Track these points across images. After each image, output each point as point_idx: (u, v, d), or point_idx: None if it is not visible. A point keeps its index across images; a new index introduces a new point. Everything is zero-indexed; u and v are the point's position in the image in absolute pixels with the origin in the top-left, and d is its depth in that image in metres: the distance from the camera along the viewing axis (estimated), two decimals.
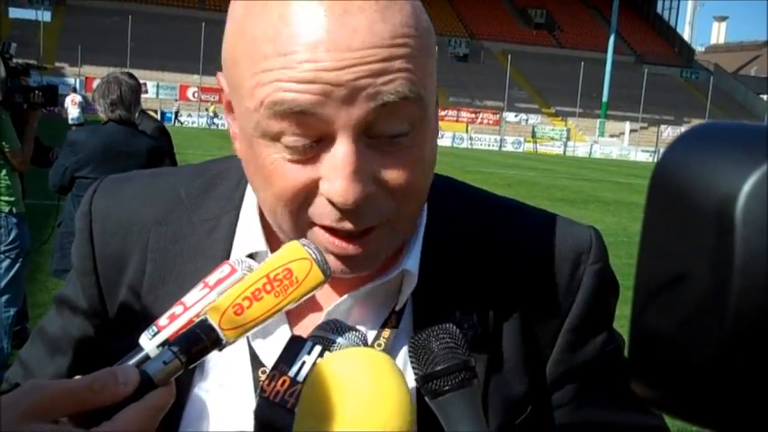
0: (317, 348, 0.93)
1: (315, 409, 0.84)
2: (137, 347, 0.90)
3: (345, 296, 1.08)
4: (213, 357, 1.09)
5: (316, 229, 0.98)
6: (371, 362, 0.87)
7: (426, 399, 0.92)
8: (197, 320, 0.89)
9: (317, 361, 0.91)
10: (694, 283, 0.44)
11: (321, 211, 0.96)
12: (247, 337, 1.07)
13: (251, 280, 0.90)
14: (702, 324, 0.44)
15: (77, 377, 0.82)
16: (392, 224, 1.00)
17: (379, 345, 1.07)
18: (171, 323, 0.92)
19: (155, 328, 0.92)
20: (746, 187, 0.42)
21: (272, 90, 0.89)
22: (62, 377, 1.10)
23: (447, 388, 0.90)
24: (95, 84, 6.27)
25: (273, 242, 1.07)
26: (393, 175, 0.95)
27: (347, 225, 0.96)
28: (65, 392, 0.77)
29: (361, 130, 0.91)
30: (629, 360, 0.50)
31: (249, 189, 1.15)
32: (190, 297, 0.94)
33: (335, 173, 0.91)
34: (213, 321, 0.87)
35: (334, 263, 0.99)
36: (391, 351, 1.06)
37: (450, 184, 1.19)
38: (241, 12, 0.95)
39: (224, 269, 0.97)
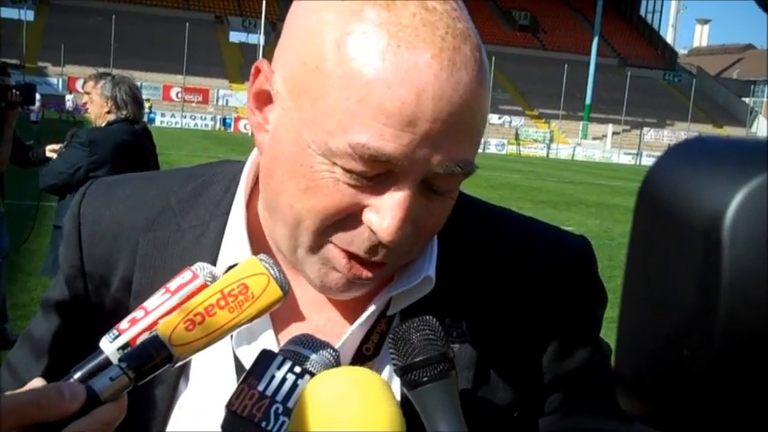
0: (288, 363, 0.92)
1: (305, 430, 0.83)
2: (97, 350, 0.90)
3: (353, 327, 1.07)
4: (198, 365, 1.09)
5: (333, 247, 0.98)
6: (361, 381, 0.86)
7: (404, 389, 0.93)
8: (149, 336, 0.88)
9: (307, 382, 0.90)
10: (682, 300, 0.44)
11: (353, 238, 0.96)
12: (232, 345, 1.07)
13: (205, 295, 0.89)
14: (690, 341, 0.44)
15: (27, 389, 0.82)
16: (403, 258, 1.02)
17: (368, 349, 1.07)
18: (131, 327, 0.92)
19: (115, 332, 0.92)
20: (734, 204, 0.42)
21: (362, 129, 0.88)
22: (50, 380, 1.10)
23: (426, 379, 0.91)
24: (78, 84, 6.25)
25: (258, 251, 1.05)
26: (428, 221, 0.98)
27: (375, 258, 0.97)
28: (12, 407, 0.77)
29: (422, 179, 0.93)
30: (615, 374, 0.51)
31: (238, 195, 1.14)
32: (151, 302, 0.94)
33: (390, 212, 0.92)
34: (164, 338, 0.86)
35: (337, 281, 1.00)
36: (380, 354, 1.06)
37: None
38: (334, 19, 0.91)
39: (185, 275, 0.96)
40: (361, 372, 0.90)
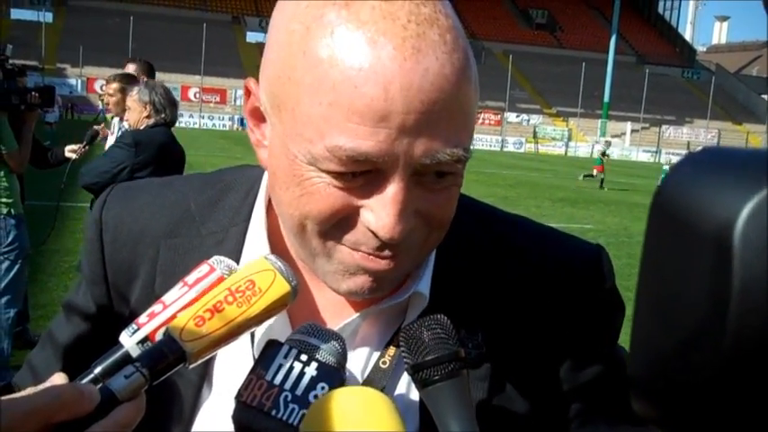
0: (294, 352, 0.94)
1: None
2: (117, 344, 0.91)
3: (355, 315, 1.07)
4: (220, 366, 1.10)
5: (346, 249, 0.97)
6: (370, 401, 0.88)
7: (416, 388, 0.94)
8: (162, 337, 0.89)
9: (314, 369, 0.92)
10: (694, 306, 0.45)
11: (358, 238, 0.95)
12: (252, 352, 1.07)
13: (213, 294, 0.90)
14: (701, 345, 0.45)
15: (45, 387, 0.82)
16: (418, 250, 1.00)
17: (384, 362, 1.06)
18: (150, 321, 0.93)
19: (134, 326, 0.93)
20: (745, 212, 0.43)
21: (337, 132, 0.87)
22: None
23: (437, 377, 0.91)
24: (97, 85, 6.30)
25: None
26: (434, 211, 0.97)
27: (384, 254, 0.96)
28: (31, 409, 0.76)
29: (412, 171, 0.91)
30: (628, 377, 0.51)
31: (258, 201, 1.15)
32: (169, 296, 0.96)
33: (384, 210, 0.91)
34: (174, 335, 0.87)
35: (362, 284, 0.99)
36: (396, 369, 1.05)
37: (462, 202, 1.19)
38: (300, 29, 0.91)
39: (203, 269, 0.97)
40: (368, 392, 0.90)
